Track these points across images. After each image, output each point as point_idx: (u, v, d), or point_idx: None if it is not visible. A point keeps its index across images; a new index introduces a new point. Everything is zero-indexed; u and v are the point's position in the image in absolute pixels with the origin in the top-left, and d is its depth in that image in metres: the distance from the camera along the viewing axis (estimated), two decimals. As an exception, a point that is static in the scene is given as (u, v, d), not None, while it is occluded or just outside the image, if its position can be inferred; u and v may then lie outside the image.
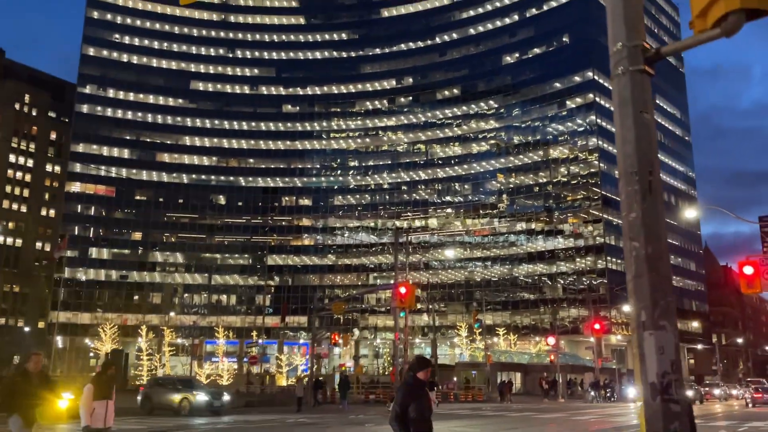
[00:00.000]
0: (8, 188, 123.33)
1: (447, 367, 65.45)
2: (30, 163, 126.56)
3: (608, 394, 52.39)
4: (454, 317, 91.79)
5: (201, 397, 29.29)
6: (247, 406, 35.53)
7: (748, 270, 24.91)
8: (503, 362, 60.91)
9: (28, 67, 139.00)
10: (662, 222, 2.86)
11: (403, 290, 31.26)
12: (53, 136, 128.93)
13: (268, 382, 64.97)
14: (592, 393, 50.95)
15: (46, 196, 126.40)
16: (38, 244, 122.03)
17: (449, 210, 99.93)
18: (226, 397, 31.45)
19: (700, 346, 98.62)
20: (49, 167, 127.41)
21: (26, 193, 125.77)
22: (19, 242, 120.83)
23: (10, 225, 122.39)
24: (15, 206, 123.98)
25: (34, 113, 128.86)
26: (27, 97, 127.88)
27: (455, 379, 54.43)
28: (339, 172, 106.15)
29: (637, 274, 2.81)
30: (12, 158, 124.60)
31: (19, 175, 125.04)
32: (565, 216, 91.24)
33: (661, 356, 2.73)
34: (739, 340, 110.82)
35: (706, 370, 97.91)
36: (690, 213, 37.94)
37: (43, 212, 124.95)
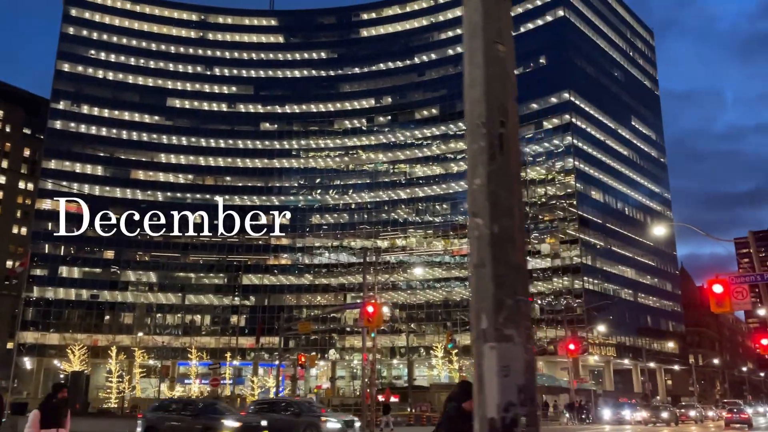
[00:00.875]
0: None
1: (421, 388, 64.26)
2: (2, 179, 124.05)
3: (583, 416, 51.60)
4: (433, 338, 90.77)
5: (333, 425, 23.45)
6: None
7: (718, 289, 24.46)
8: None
9: (3, 83, 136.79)
10: (517, 192, 2.06)
11: (370, 309, 30.43)
12: (27, 152, 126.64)
13: (239, 405, 63.12)
14: (567, 414, 50.10)
15: (18, 214, 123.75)
16: (8, 263, 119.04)
17: (428, 230, 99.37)
18: (358, 423, 26.43)
19: (677, 367, 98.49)
20: (22, 184, 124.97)
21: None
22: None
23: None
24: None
25: (7, 129, 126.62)
26: (0, 113, 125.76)
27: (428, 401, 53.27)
28: (317, 191, 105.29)
29: (479, 262, 1.95)
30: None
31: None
32: (542, 236, 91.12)
33: (504, 379, 1.98)
34: (716, 361, 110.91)
35: (683, 391, 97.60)
36: (659, 230, 37.35)
37: (15, 230, 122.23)
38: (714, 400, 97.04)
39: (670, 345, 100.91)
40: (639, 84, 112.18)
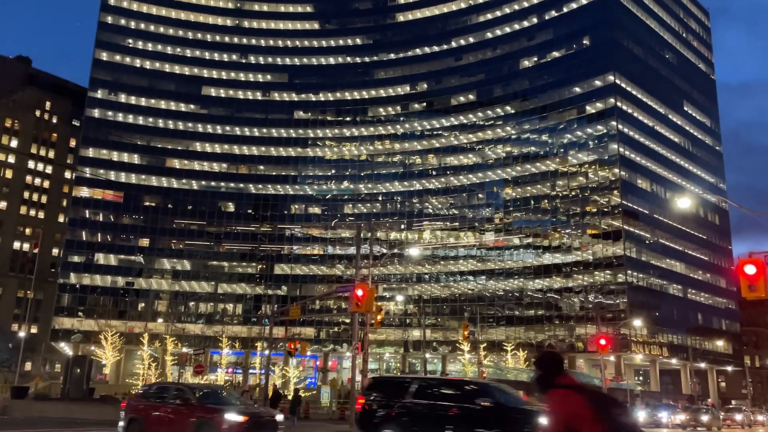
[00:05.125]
0: (26, 194, 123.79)
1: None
2: (49, 169, 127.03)
3: (615, 418, 47.33)
4: (462, 332, 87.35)
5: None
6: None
7: (750, 269, 20.40)
8: (501, 379, 56.39)
9: (53, 76, 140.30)
10: None
11: (359, 292, 27.73)
12: (73, 143, 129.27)
13: (258, 394, 61.61)
14: (597, 416, 46.01)
15: (64, 203, 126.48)
16: (54, 251, 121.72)
17: (462, 220, 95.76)
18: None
19: (730, 368, 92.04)
20: (67, 174, 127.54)
21: (44, 199, 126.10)
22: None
23: (27, 231, 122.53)
24: (33, 212, 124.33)
25: (54, 120, 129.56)
26: (48, 105, 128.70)
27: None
28: (350, 180, 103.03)
29: None
30: (31, 164, 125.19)
31: (37, 181, 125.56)
32: (583, 228, 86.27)
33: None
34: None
35: (735, 393, 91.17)
36: (683, 202, 33.09)
37: (61, 219, 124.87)
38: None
39: (724, 345, 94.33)
40: (693, 67, 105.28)
